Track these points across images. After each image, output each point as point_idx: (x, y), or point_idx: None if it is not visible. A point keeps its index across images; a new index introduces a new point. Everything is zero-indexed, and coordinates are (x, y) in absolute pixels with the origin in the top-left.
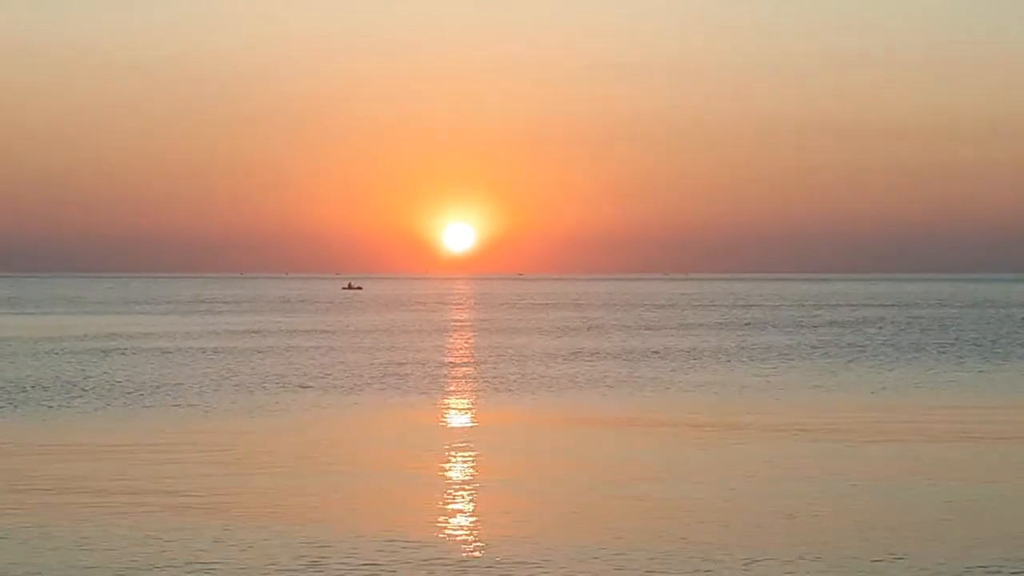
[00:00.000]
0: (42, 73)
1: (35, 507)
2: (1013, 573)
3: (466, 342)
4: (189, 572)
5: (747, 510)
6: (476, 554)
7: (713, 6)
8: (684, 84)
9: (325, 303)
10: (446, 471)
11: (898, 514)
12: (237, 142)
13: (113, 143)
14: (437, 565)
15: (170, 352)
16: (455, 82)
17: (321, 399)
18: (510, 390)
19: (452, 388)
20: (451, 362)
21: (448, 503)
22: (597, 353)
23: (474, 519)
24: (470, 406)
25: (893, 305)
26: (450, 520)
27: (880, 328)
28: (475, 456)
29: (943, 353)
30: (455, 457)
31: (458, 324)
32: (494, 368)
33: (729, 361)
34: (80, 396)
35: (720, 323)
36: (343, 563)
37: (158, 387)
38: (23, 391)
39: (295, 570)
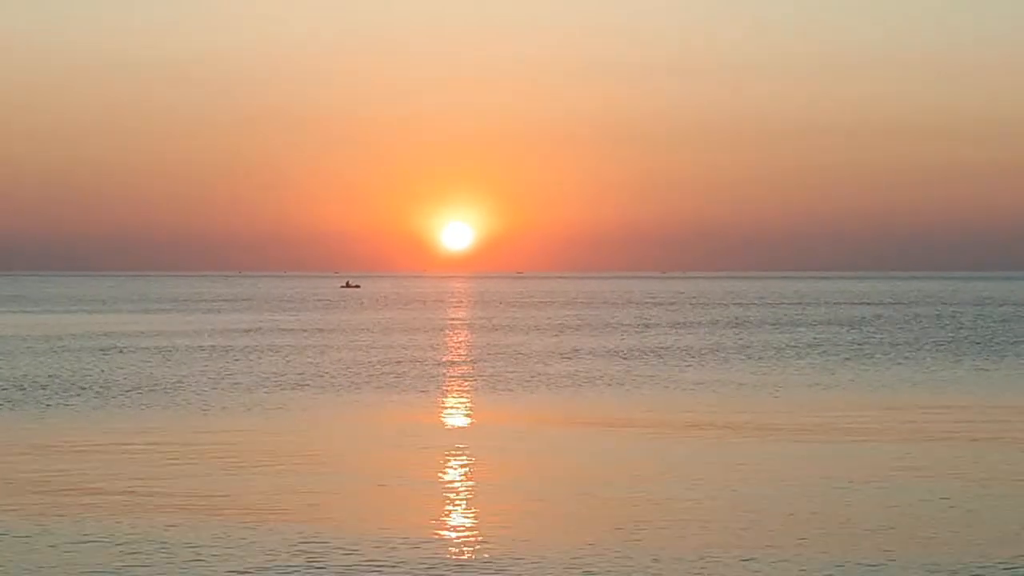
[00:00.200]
0: (42, 73)
1: (32, 506)
2: (1012, 574)
3: (464, 340)
4: (187, 571)
5: (745, 510)
6: (475, 554)
7: (713, 6)
8: (684, 84)
9: (323, 301)
10: (444, 470)
11: (895, 514)
12: (237, 142)
13: (113, 143)
14: (436, 565)
15: (168, 350)
16: (455, 82)
17: (319, 398)
18: (508, 388)
19: (450, 387)
20: (449, 360)
21: (446, 502)
22: (595, 351)
23: (473, 518)
24: (468, 405)
25: (893, 303)
26: (448, 519)
27: (879, 326)
28: (473, 455)
29: (941, 351)
30: (453, 456)
31: (456, 322)
32: (492, 366)
33: (727, 359)
34: (78, 395)
35: (718, 321)
36: (342, 563)
37: (156, 385)
38: (21, 389)
39: (294, 569)
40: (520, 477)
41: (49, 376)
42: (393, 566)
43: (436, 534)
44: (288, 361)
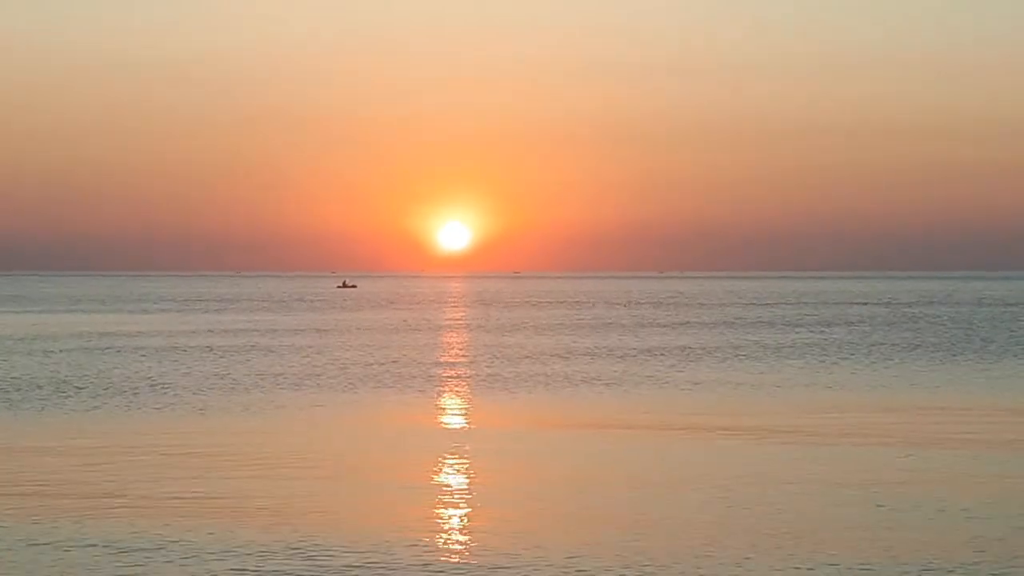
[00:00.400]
0: (42, 73)
1: (28, 507)
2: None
3: (461, 340)
4: (185, 572)
5: (743, 511)
6: (473, 554)
7: (713, 6)
8: (684, 84)
9: (319, 301)
10: (442, 471)
11: (893, 516)
12: (237, 142)
13: (113, 143)
14: (434, 565)
15: (165, 350)
16: (454, 82)
17: (315, 398)
18: (506, 389)
19: (447, 387)
20: (446, 360)
21: (444, 503)
22: (593, 351)
23: (470, 519)
24: (465, 405)
25: (892, 303)
26: (446, 520)
27: (878, 326)
28: (471, 455)
29: (940, 351)
30: (451, 457)
31: (453, 322)
32: (489, 367)
33: (726, 360)
34: (74, 395)
35: (717, 321)
36: (340, 563)
37: (153, 386)
38: (18, 390)
39: (293, 570)
40: (518, 478)
41: (46, 376)
42: (391, 567)
43: (434, 535)
44: (284, 361)
